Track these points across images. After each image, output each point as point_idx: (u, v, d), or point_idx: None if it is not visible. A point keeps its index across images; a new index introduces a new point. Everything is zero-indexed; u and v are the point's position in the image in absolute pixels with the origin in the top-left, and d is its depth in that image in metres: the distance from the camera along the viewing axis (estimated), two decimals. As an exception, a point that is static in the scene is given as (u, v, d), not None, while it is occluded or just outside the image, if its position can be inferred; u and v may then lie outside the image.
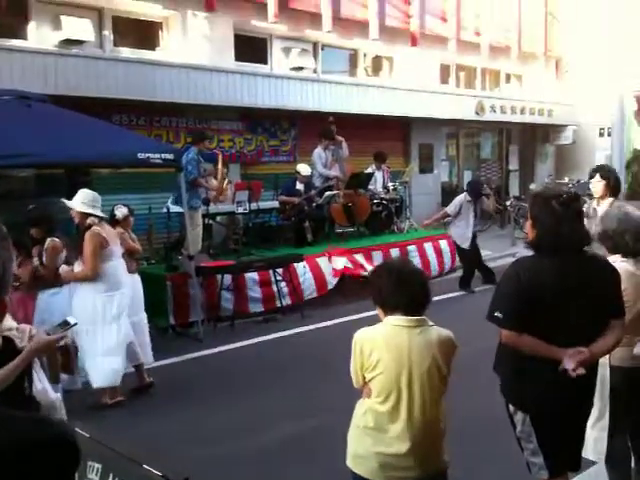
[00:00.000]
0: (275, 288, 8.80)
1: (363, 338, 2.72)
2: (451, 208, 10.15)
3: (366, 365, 2.68)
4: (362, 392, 2.79)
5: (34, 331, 2.93)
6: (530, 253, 3.09)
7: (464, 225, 10.05)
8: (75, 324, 3.09)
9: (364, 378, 2.72)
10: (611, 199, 5.67)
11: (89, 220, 5.55)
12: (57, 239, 5.91)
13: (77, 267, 5.66)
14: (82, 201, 5.56)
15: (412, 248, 10.94)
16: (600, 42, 17.40)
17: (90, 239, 5.45)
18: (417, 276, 2.78)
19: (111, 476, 1.99)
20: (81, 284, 5.63)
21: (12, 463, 0.93)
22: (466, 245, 10.09)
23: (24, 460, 0.95)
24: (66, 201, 5.78)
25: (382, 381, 2.65)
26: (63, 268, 5.73)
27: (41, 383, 3.12)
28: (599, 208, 5.66)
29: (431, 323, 2.74)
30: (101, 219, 5.68)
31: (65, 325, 3.00)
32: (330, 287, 9.53)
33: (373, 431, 2.69)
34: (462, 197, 10.20)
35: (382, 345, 2.65)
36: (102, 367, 5.62)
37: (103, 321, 5.61)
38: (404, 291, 2.68)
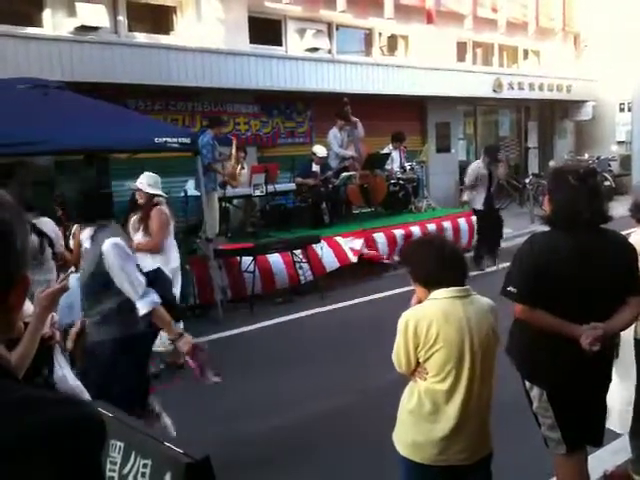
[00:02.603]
0: (294, 269, 8.85)
1: (417, 316, 2.60)
2: (468, 178, 10.09)
3: (423, 343, 2.57)
4: (411, 377, 2.70)
5: (56, 317, 2.95)
6: (547, 229, 3.09)
7: (482, 191, 9.99)
8: (72, 271, 3.11)
9: (417, 360, 2.62)
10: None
11: (155, 200, 6.03)
12: None
13: (137, 240, 6.01)
14: (149, 183, 6.01)
15: (431, 227, 10.91)
16: (619, 15, 17.08)
17: (158, 215, 5.95)
18: (456, 249, 2.78)
19: (133, 454, 2.03)
20: (141, 257, 5.89)
21: (42, 444, 0.95)
22: (479, 206, 10.05)
23: (54, 441, 0.96)
24: (132, 184, 6.22)
25: (443, 356, 2.55)
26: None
27: (61, 369, 3.14)
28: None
29: (474, 292, 2.71)
30: (165, 199, 6.15)
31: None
32: (353, 261, 9.56)
33: (431, 415, 2.61)
34: (475, 165, 10.15)
35: (440, 318, 2.56)
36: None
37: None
38: (449, 265, 2.64)
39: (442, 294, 2.62)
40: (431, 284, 2.66)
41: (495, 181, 10.20)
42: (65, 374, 3.17)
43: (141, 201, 6.08)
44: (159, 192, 6.06)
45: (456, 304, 2.60)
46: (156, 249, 5.96)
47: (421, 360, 2.61)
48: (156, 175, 6.14)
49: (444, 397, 2.59)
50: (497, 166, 10.24)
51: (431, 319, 2.56)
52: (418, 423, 2.65)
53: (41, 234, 5.14)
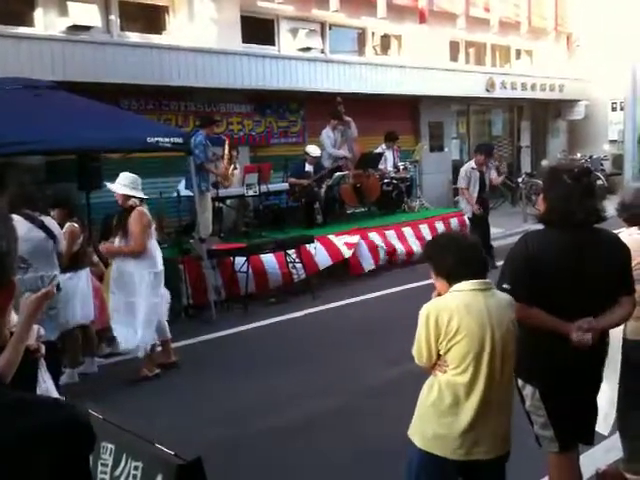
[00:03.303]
0: (287, 269, 8.85)
1: (438, 308, 2.63)
2: (461, 182, 9.99)
3: (444, 334, 2.58)
4: (432, 370, 2.71)
5: (42, 331, 2.88)
6: (540, 228, 3.10)
7: (473, 192, 9.85)
8: (55, 276, 3.04)
9: (438, 352, 2.63)
10: None
11: (131, 202, 5.83)
12: (75, 224, 5.95)
13: (117, 243, 5.89)
14: (123, 184, 5.82)
15: (423, 227, 10.93)
16: (611, 15, 17.14)
17: (138, 217, 5.76)
18: (476, 242, 2.80)
19: (124, 456, 2.03)
20: (125, 260, 5.88)
21: (28, 447, 0.95)
22: (469, 215, 10.02)
23: (40, 444, 0.96)
24: (109, 184, 6.04)
25: (464, 347, 2.57)
26: (104, 244, 6.05)
27: (45, 383, 3.12)
28: None
29: (494, 286, 2.74)
30: (142, 200, 5.94)
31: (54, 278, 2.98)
32: (347, 256, 9.55)
33: (453, 408, 2.61)
34: (467, 166, 10.07)
35: (462, 310, 2.57)
36: (139, 338, 5.87)
37: (144, 295, 5.85)
38: (470, 258, 2.67)
39: (464, 286, 2.64)
40: (453, 277, 2.68)
41: (487, 183, 10.07)
42: (49, 388, 3.13)
43: (119, 203, 5.91)
44: (134, 193, 5.84)
45: (478, 296, 2.62)
46: (139, 252, 5.79)
47: (442, 352, 2.62)
48: (134, 175, 5.91)
49: (464, 390, 2.60)
50: (490, 170, 10.14)
51: (452, 311, 2.58)
52: (439, 416, 2.65)
53: (48, 232, 5.12)
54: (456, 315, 2.57)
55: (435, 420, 2.66)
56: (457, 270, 2.67)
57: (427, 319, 2.62)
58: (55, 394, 3.24)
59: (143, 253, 5.82)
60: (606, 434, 3.64)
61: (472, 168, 9.85)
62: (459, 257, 2.67)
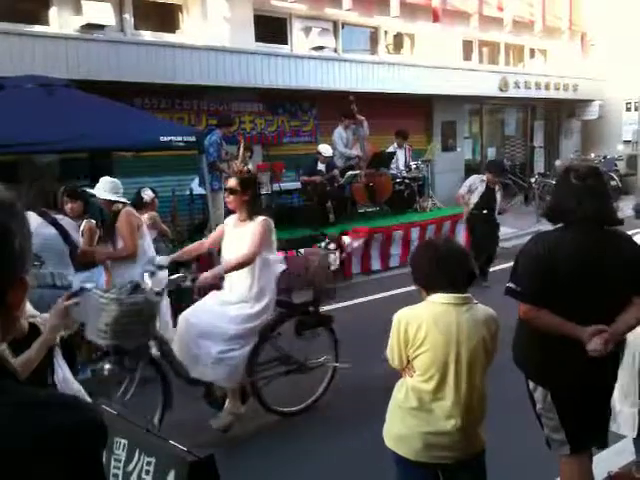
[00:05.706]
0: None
1: (408, 316, 2.66)
2: (462, 188, 9.37)
3: (411, 343, 2.61)
4: (402, 372, 2.74)
5: None
6: (552, 228, 3.10)
7: (475, 198, 9.06)
8: (90, 289, 3.10)
9: (407, 357, 2.66)
10: None
11: (114, 207, 5.61)
12: (92, 220, 5.96)
13: (110, 248, 5.75)
14: (104, 189, 5.60)
15: (432, 227, 10.90)
16: (626, 14, 17.01)
17: (127, 218, 5.56)
18: (458, 255, 2.70)
19: (137, 451, 2.04)
20: (120, 264, 5.70)
21: (44, 446, 0.95)
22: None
23: (55, 443, 0.96)
24: (89, 190, 5.84)
25: (428, 358, 2.60)
26: (98, 248, 5.92)
27: (62, 372, 3.14)
28: None
29: (476, 301, 2.70)
30: (124, 204, 5.70)
31: (81, 291, 3.02)
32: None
33: (417, 411, 2.64)
34: (474, 177, 9.48)
35: (430, 322, 2.59)
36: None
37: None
38: (446, 271, 2.62)
39: (438, 299, 2.65)
40: (429, 287, 2.69)
41: (497, 199, 9.17)
42: (67, 377, 3.15)
43: (104, 207, 5.74)
44: (117, 198, 5.59)
45: (450, 310, 2.62)
46: (132, 255, 5.55)
47: (410, 358, 2.66)
48: (114, 180, 5.70)
49: (429, 396, 2.63)
50: (500, 187, 9.40)
51: (421, 321, 2.61)
52: (404, 417, 2.69)
53: (60, 229, 5.13)
54: (424, 326, 2.60)
55: (400, 420, 2.71)
56: (433, 280, 2.67)
57: (398, 325, 2.66)
58: (72, 380, 3.26)
59: (136, 255, 5.61)
60: (633, 436, 3.58)
61: (482, 180, 9.12)
62: (436, 267, 2.65)
